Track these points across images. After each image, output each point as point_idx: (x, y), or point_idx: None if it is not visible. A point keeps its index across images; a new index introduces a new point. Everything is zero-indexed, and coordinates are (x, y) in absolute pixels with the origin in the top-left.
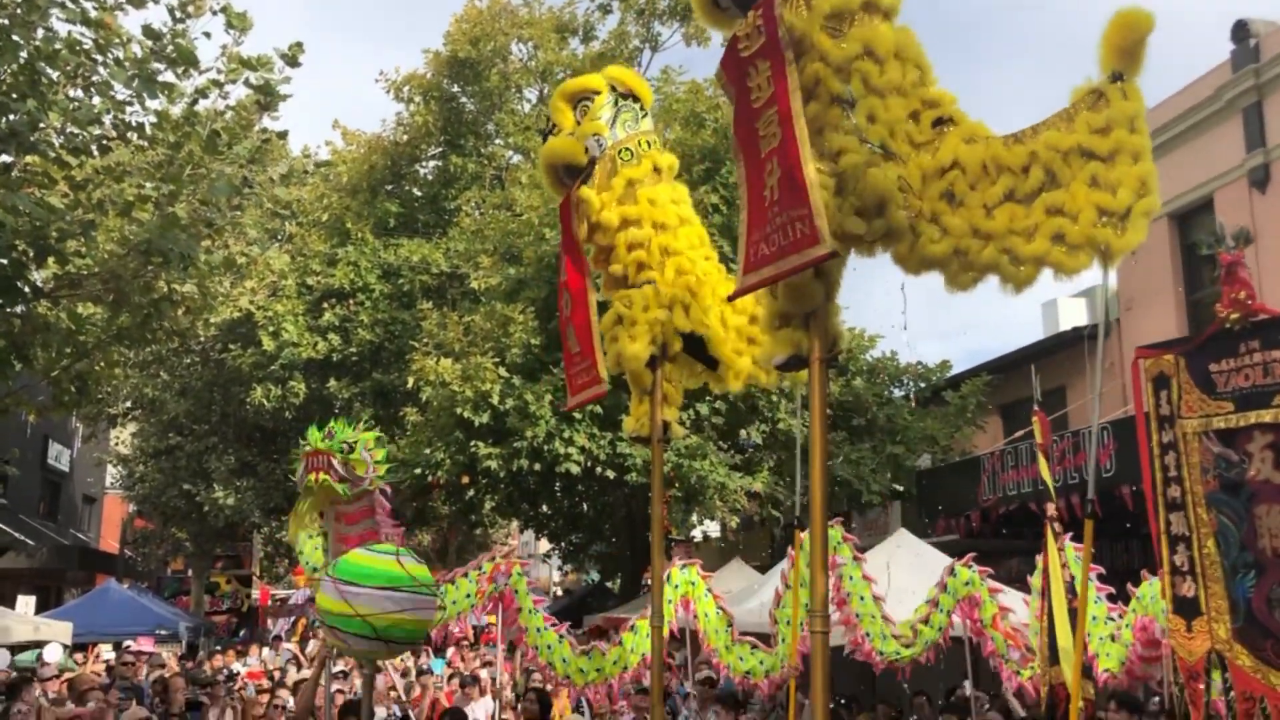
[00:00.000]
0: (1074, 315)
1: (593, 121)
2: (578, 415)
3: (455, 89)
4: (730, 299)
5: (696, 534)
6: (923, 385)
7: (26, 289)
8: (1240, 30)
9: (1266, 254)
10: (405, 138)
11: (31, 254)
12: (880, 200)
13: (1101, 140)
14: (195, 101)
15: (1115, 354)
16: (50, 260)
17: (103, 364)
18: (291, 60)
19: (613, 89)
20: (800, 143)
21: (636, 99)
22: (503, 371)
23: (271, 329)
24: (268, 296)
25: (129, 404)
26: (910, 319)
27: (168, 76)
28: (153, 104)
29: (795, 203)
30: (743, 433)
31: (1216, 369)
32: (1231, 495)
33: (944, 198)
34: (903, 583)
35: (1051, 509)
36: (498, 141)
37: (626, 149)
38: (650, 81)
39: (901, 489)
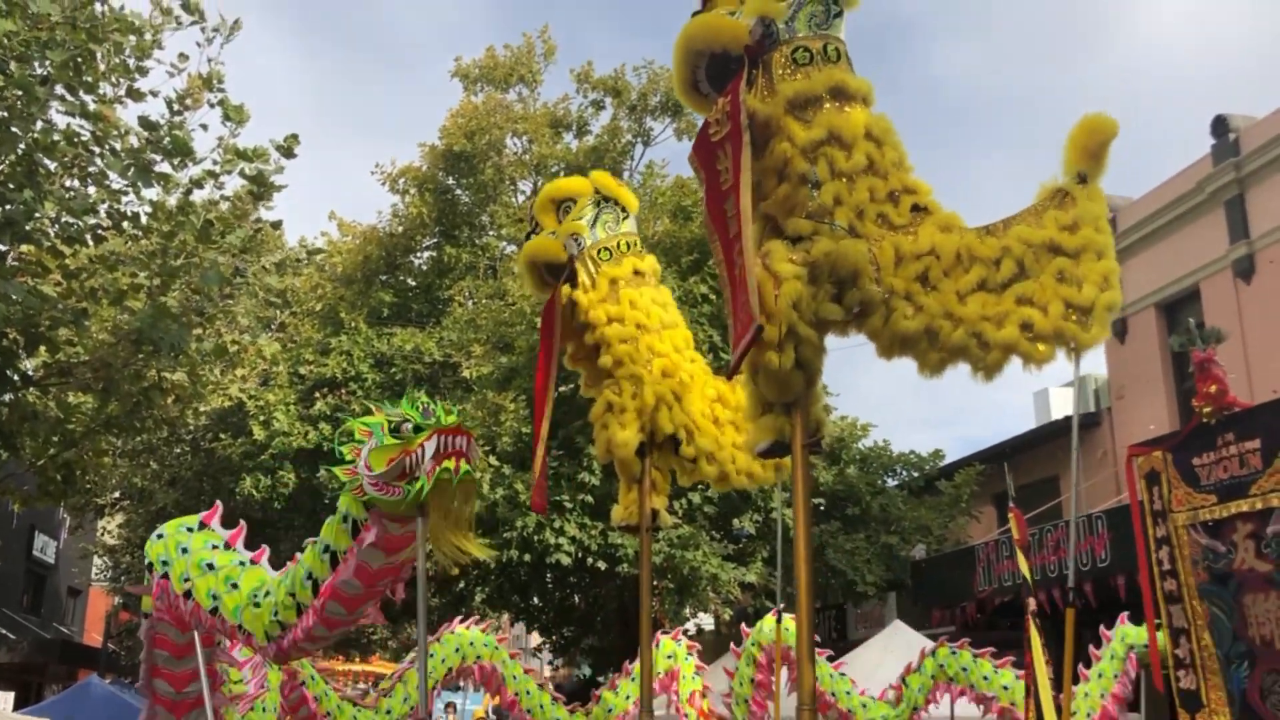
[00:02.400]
0: (1065, 404)
1: (573, 222)
2: (568, 504)
3: (450, 181)
4: (729, 377)
5: (690, 626)
6: (915, 474)
7: (15, 377)
8: (1220, 125)
9: (1254, 343)
10: (400, 229)
11: (22, 342)
12: (854, 274)
13: (1070, 237)
14: (190, 192)
15: (1107, 443)
16: (41, 349)
17: (91, 453)
18: (287, 152)
19: (595, 192)
20: (745, 230)
21: (618, 203)
22: (493, 460)
23: (262, 418)
24: (259, 385)
25: (117, 494)
26: (902, 407)
27: (163, 167)
28: (148, 194)
29: (745, 287)
30: (735, 522)
31: (1199, 463)
32: (1221, 586)
33: (918, 279)
34: (896, 674)
35: (1032, 603)
36: (491, 233)
37: (605, 249)
38: (637, 175)
39: (897, 579)
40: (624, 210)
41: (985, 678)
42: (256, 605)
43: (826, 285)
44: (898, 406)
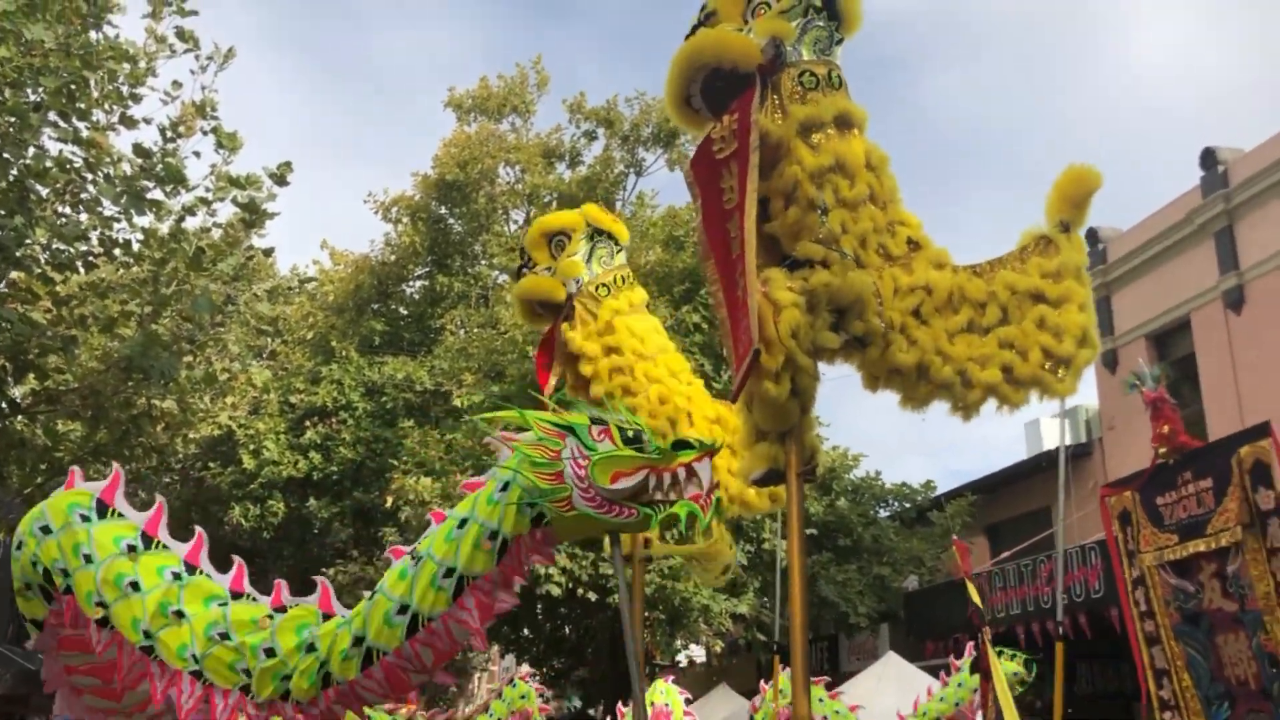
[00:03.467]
0: (1056, 435)
1: (569, 260)
2: None
3: (443, 210)
4: (733, 400)
5: (681, 658)
6: (907, 505)
7: (3, 404)
8: (1209, 157)
9: (1245, 374)
10: (393, 257)
11: (10, 369)
12: (858, 304)
13: (1052, 285)
14: (182, 219)
15: (1099, 473)
16: (29, 376)
17: None
18: (280, 179)
19: (588, 225)
20: (748, 253)
21: (611, 236)
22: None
23: (252, 447)
24: (249, 414)
25: None
26: (893, 439)
27: (156, 194)
28: (140, 221)
29: (746, 310)
30: None
31: (1162, 502)
32: (1194, 627)
33: (912, 314)
34: (890, 706)
35: (988, 631)
36: (484, 262)
37: (604, 284)
38: (630, 206)
39: (889, 610)
40: (616, 243)
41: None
42: (235, 649)
43: (825, 314)
44: (889, 438)
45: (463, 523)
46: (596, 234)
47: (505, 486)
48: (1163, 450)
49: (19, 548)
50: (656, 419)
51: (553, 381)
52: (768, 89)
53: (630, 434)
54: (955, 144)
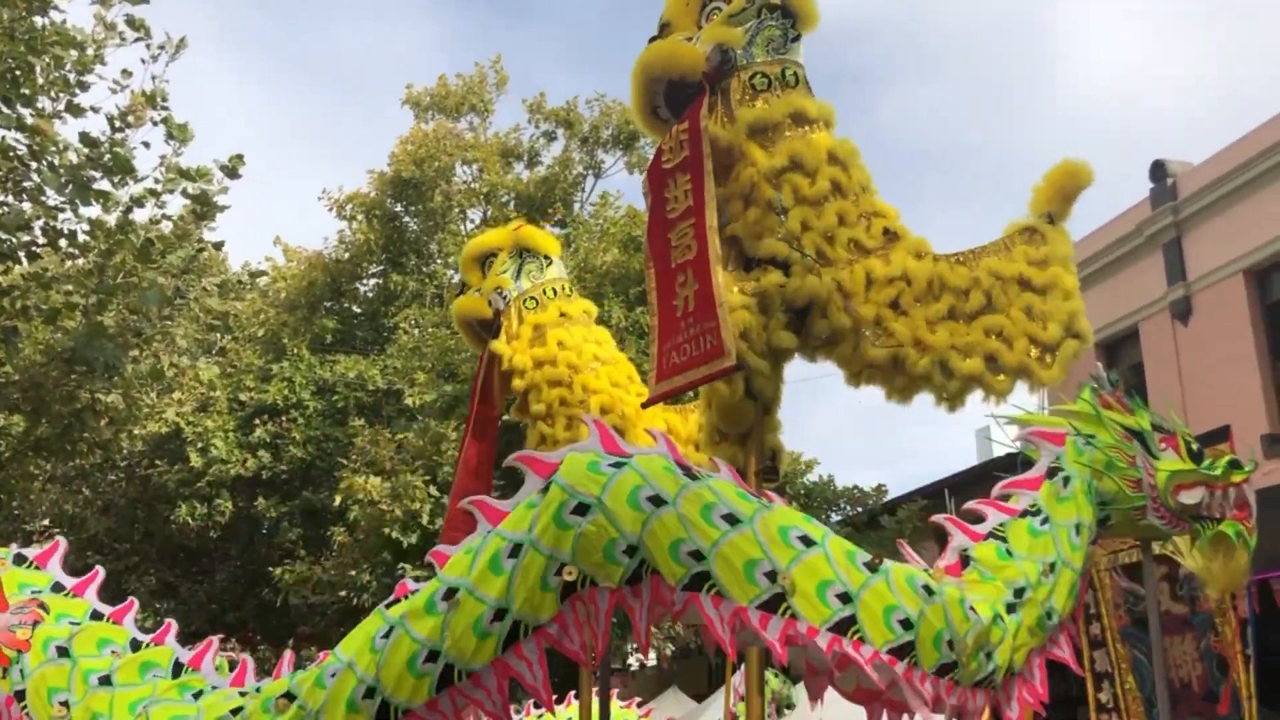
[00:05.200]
0: (1008, 441)
1: (495, 276)
2: None
3: (399, 208)
4: (644, 406)
5: (632, 662)
6: (859, 510)
7: None
8: (1158, 170)
9: (1191, 384)
10: (346, 255)
11: None
12: (813, 305)
13: (1039, 273)
14: (130, 210)
15: None
16: None
17: (19, 477)
18: (231, 172)
19: (515, 244)
20: (713, 258)
21: (539, 252)
22: (433, 490)
23: (200, 445)
24: (197, 410)
25: (46, 521)
26: (846, 444)
27: (103, 184)
28: (86, 212)
29: (706, 315)
30: None
31: None
32: (1142, 629)
33: (889, 305)
34: (839, 714)
35: None
36: (439, 261)
37: (531, 298)
38: (589, 207)
39: None
40: (546, 258)
41: None
42: None
43: (779, 314)
44: (841, 442)
45: (1074, 522)
46: (525, 251)
47: (1059, 477)
48: None
49: None
50: None
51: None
52: (716, 96)
53: (1194, 448)
54: (911, 156)
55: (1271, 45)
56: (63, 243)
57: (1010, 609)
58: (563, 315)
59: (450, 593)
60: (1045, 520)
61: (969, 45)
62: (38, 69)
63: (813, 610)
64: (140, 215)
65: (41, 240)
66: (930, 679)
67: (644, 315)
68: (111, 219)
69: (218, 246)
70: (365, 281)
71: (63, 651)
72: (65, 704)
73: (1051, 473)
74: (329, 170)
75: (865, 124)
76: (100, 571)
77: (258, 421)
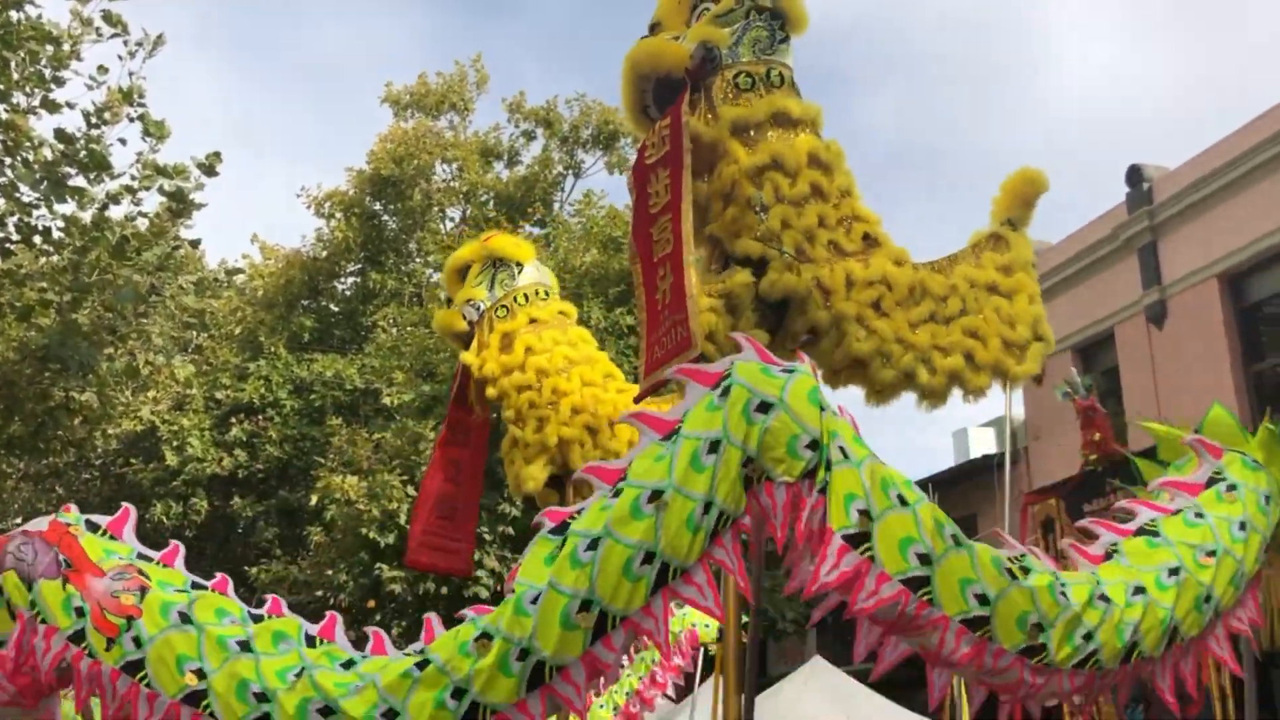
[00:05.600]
0: (983, 444)
1: (468, 289)
2: (488, 537)
3: (377, 207)
4: (635, 401)
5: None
6: None
7: None
8: (1134, 174)
9: (1165, 387)
10: (324, 253)
11: None
12: (791, 301)
13: (1005, 278)
14: (106, 207)
15: (1024, 482)
16: None
17: None
18: (209, 169)
19: (487, 255)
20: (686, 251)
21: (511, 261)
22: (411, 490)
23: (176, 443)
24: (172, 409)
25: (19, 520)
26: None
27: (78, 181)
28: (61, 208)
29: (678, 308)
30: None
31: (1090, 509)
32: None
33: (871, 306)
34: (815, 712)
35: None
36: (418, 259)
37: (502, 306)
38: (572, 204)
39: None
40: (518, 264)
41: None
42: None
43: (748, 314)
44: None
45: None
46: (498, 261)
47: None
48: (1092, 457)
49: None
50: (571, 428)
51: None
52: (699, 94)
53: None
54: (889, 157)
55: (1248, 51)
56: (37, 239)
57: (1138, 590)
58: (533, 321)
59: (656, 494)
60: (1202, 515)
61: (948, 48)
62: (12, 64)
63: (891, 560)
64: (116, 212)
65: (15, 237)
66: (1013, 657)
67: (623, 316)
68: (87, 216)
69: (194, 244)
70: (343, 280)
71: (185, 618)
72: (199, 673)
73: (1211, 481)
74: (307, 168)
75: (844, 125)
76: (181, 547)
77: (234, 420)
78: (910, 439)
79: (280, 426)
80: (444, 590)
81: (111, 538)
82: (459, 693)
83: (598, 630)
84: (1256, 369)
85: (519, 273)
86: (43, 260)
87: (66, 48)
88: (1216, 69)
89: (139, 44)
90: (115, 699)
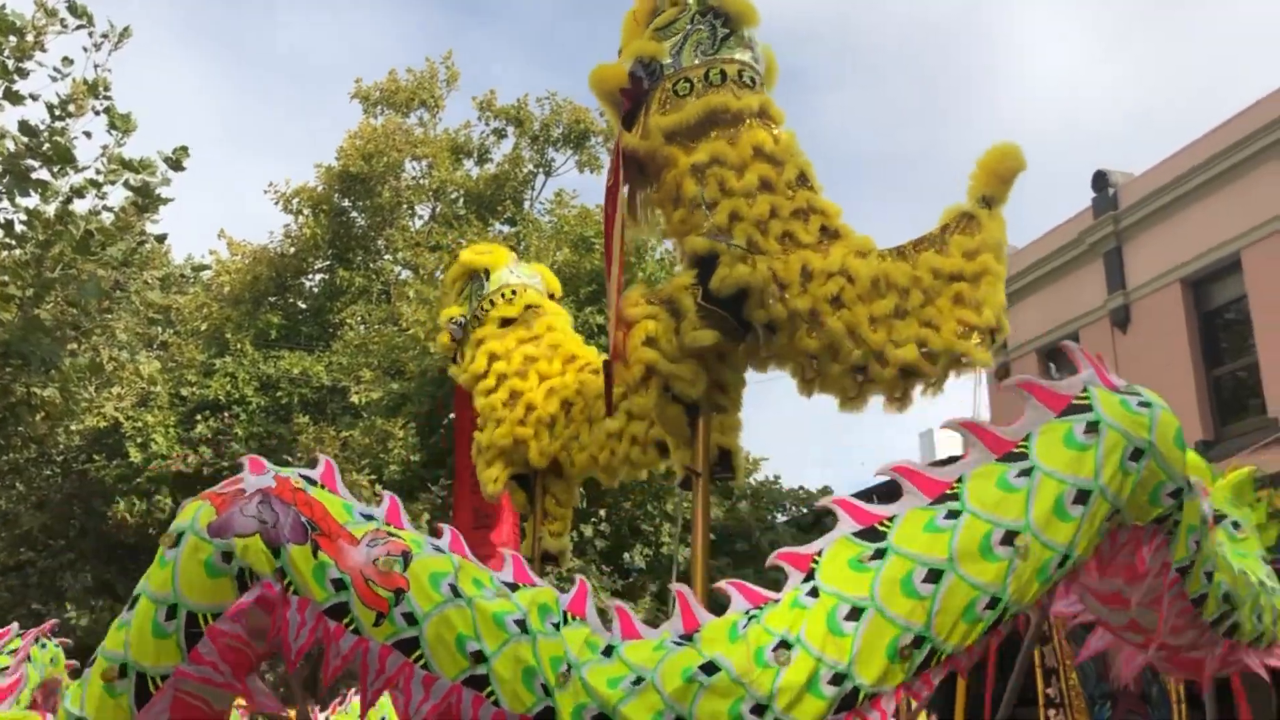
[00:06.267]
0: (950, 445)
1: (450, 308)
2: None
3: (346, 203)
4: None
5: None
6: (804, 510)
7: None
8: (1100, 180)
9: None
10: (292, 250)
11: None
12: (748, 295)
13: (970, 263)
14: (70, 201)
15: None
16: None
17: None
18: (175, 164)
19: (462, 271)
20: (614, 270)
21: (480, 269)
22: (379, 489)
23: (140, 440)
24: (136, 405)
25: None
26: (792, 446)
27: (42, 174)
28: (24, 201)
29: (614, 327)
30: (626, 556)
31: None
32: (1084, 628)
33: (830, 301)
34: None
35: None
36: (386, 257)
37: (475, 317)
38: (543, 203)
39: None
40: (486, 272)
41: None
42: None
43: (692, 315)
44: (787, 445)
45: None
46: (471, 274)
47: None
48: None
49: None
50: (526, 426)
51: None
52: (642, 109)
53: None
54: (853, 160)
55: (1213, 58)
56: None
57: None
58: (505, 322)
59: (1011, 535)
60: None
61: (913, 51)
62: None
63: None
64: (80, 206)
65: None
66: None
67: (594, 315)
68: (50, 209)
69: (160, 239)
70: (311, 277)
71: (455, 591)
72: (479, 655)
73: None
74: (275, 164)
75: (808, 127)
76: (397, 499)
77: (199, 417)
78: (876, 439)
79: (246, 424)
80: None
81: (329, 492)
82: (760, 709)
83: (923, 665)
84: (1217, 373)
85: (488, 279)
86: (4, 254)
87: (30, 39)
88: (1184, 74)
89: (104, 36)
90: (381, 679)
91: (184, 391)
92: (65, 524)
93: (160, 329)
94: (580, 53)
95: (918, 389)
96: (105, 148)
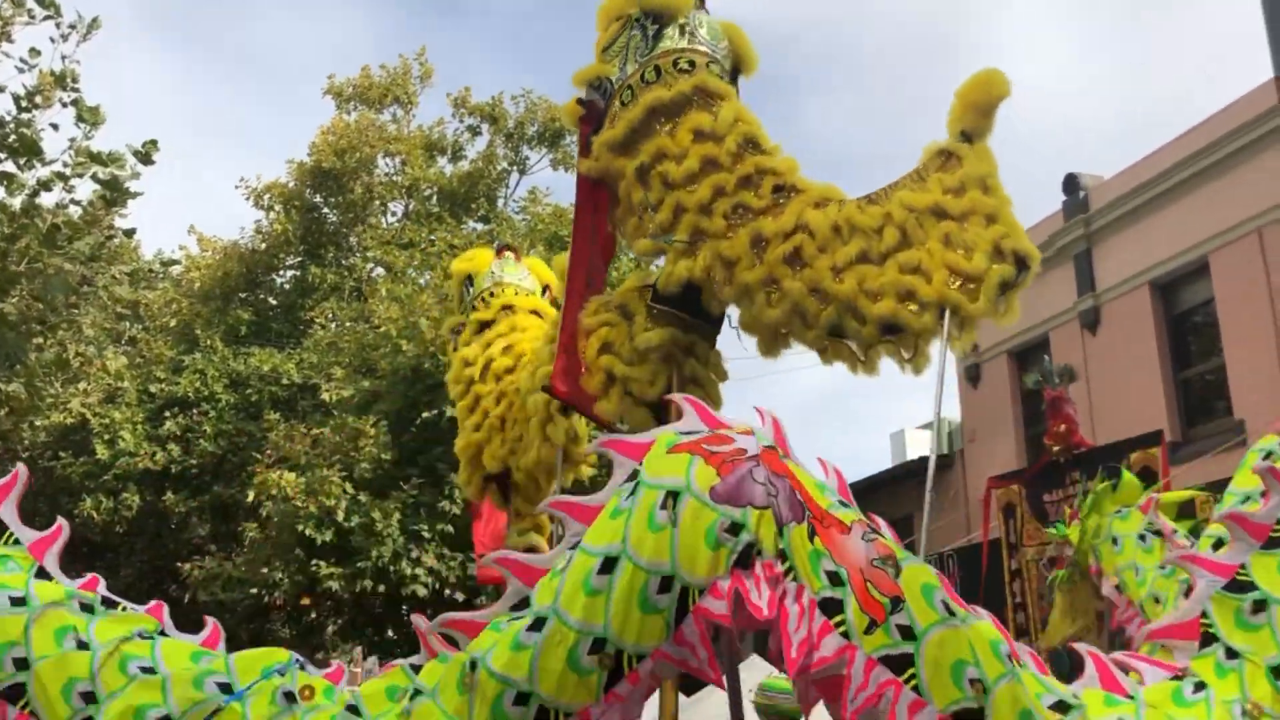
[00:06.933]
0: (921, 445)
1: (451, 318)
2: (427, 534)
3: (318, 199)
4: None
5: None
6: None
7: None
8: (1071, 183)
9: (1098, 392)
10: (263, 246)
11: None
12: (695, 287)
13: (955, 200)
14: (37, 194)
15: (959, 484)
16: None
17: None
18: (145, 158)
19: (458, 280)
20: (573, 292)
21: (464, 275)
22: (349, 487)
23: (107, 437)
24: (103, 402)
25: None
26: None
27: (8, 166)
28: None
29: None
30: None
31: (1049, 499)
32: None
33: (787, 262)
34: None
35: None
36: (358, 254)
37: (462, 324)
38: (516, 201)
39: None
40: (470, 279)
41: None
42: None
43: (640, 317)
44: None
45: None
46: (465, 282)
47: None
48: (1056, 449)
49: None
50: (480, 431)
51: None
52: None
53: None
54: (833, 161)
55: (1187, 64)
56: None
57: None
58: (482, 326)
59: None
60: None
61: (891, 56)
62: None
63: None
64: (47, 199)
65: None
66: None
67: None
68: (16, 202)
69: (129, 234)
70: (282, 273)
71: (948, 608)
72: (980, 684)
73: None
74: (247, 158)
75: (790, 129)
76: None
77: (168, 414)
78: (848, 441)
79: (215, 421)
80: (382, 588)
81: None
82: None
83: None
84: (1185, 375)
85: (472, 286)
86: None
87: None
88: (1156, 82)
89: (72, 26)
90: (861, 695)
91: (152, 388)
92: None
93: (129, 325)
94: (555, 51)
95: (903, 354)
96: (73, 140)
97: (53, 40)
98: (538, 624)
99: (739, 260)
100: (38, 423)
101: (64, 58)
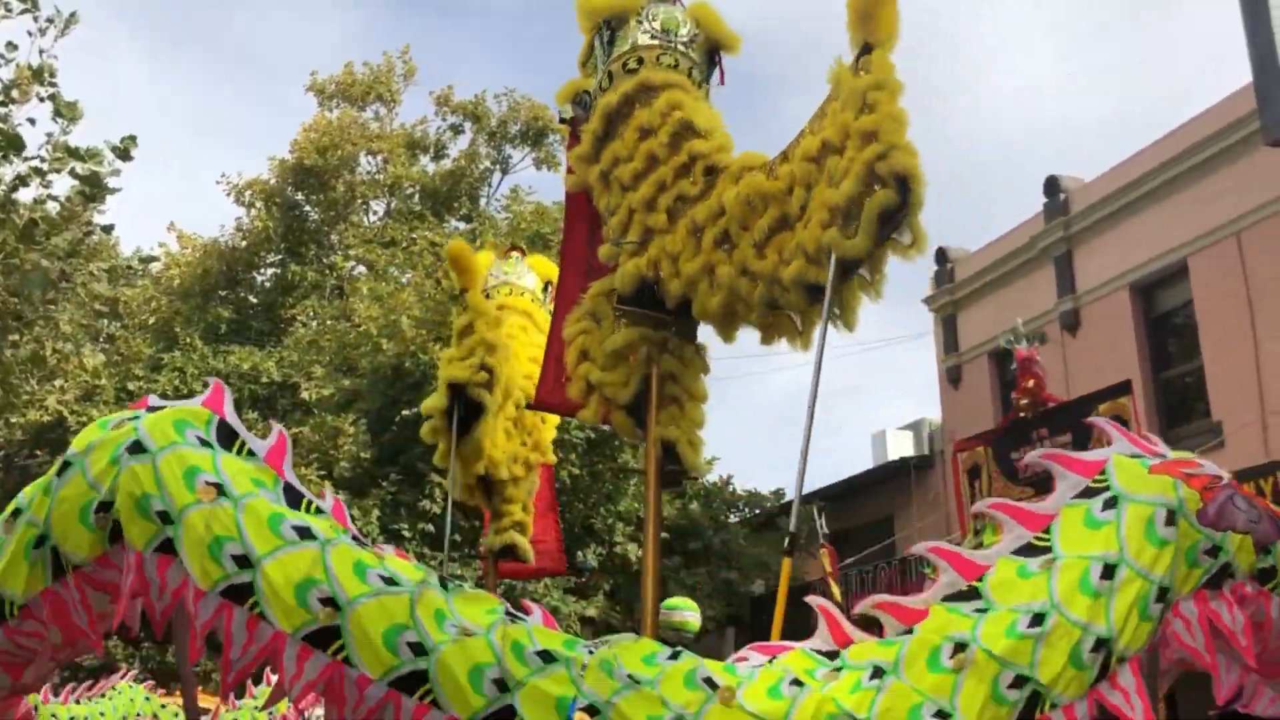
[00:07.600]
0: (902, 446)
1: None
2: (407, 533)
3: (299, 197)
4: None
5: None
6: (757, 512)
7: None
8: (1052, 185)
9: (1078, 393)
10: (244, 243)
11: None
12: (650, 285)
13: (835, 131)
14: (14, 189)
15: (940, 485)
16: None
17: None
18: (124, 154)
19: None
20: (562, 302)
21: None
22: (328, 486)
23: None
24: (80, 399)
25: None
26: (745, 448)
27: None
28: None
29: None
30: (579, 555)
31: (1016, 456)
32: None
33: (719, 246)
34: None
35: None
36: (339, 252)
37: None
38: (499, 200)
39: (735, 615)
40: (462, 291)
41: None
42: None
43: (608, 320)
44: (738, 446)
45: None
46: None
47: None
48: (1024, 404)
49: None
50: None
51: None
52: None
53: None
54: None
55: (1169, 68)
56: None
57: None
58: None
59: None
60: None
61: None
62: None
63: None
64: (24, 195)
65: None
66: None
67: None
68: None
69: (107, 230)
70: (262, 271)
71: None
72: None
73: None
74: (228, 155)
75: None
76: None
77: None
78: (830, 441)
79: None
80: None
81: None
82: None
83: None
84: (1164, 376)
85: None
86: None
87: None
88: (1138, 85)
89: (50, 20)
90: None
91: (131, 386)
92: None
93: (107, 322)
94: (539, 51)
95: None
96: (50, 135)
97: (30, 34)
98: (1037, 619)
99: (681, 252)
100: (14, 420)
101: (42, 52)
